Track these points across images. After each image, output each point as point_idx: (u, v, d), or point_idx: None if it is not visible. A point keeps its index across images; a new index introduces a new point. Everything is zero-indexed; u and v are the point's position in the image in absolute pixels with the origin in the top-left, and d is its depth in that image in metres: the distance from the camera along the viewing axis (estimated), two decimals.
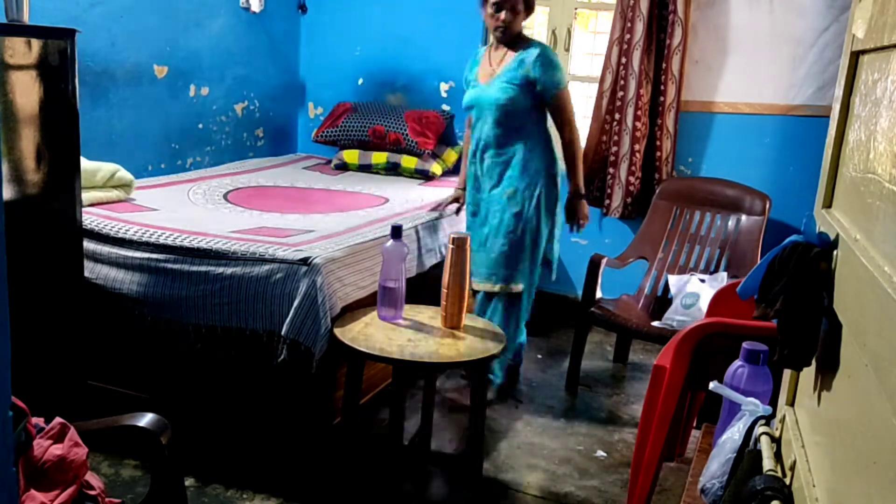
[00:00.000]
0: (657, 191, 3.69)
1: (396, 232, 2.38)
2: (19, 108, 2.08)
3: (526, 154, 2.94)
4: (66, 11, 2.99)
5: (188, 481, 2.38)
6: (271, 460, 2.54)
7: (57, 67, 2.14)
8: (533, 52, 2.87)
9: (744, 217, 3.46)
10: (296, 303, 2.36)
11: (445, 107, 4.32)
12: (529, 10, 2.92)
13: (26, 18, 2.22)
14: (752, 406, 1.48)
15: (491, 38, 3.03)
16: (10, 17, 2.19)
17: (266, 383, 2.49)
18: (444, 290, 2.39)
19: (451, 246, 2.38)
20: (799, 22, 3.56)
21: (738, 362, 1.71)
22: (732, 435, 1.44)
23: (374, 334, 2.33)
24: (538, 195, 2.96)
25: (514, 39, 2.95)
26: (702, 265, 3.46)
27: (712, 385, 1.64)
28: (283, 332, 2.38)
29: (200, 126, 3.97)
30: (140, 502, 1.66)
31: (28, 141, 2.12)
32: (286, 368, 2.40)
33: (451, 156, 4.22)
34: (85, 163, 2.57)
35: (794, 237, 1.17)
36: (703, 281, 3.16)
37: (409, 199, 3.52)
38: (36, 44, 2.09)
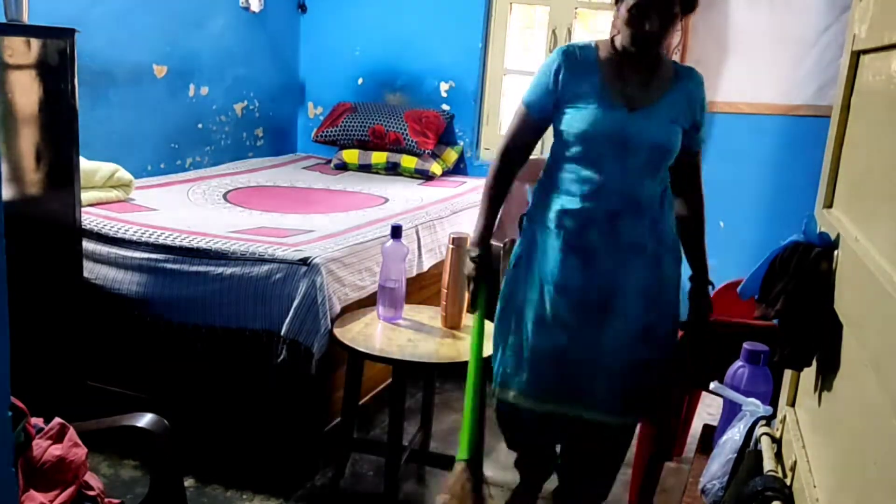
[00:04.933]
0: None
1: (396, 232, 2.38)
2: (19, 107, 2.08)
3: (670, 220, 1.92)
4: (66, 11, 2.98)
5: (188, 481, 2.38)
6: (271, 460, 2.54)
7: (56, 67, 2.14)
8: (697, 85, 1.90)
9: None
10: (295, 303, 2.36)
11: (445, 106, 4.32)
12: (690, 8, 1.83)
13: (26, 18, 2.22)
14: (753, 406, 1.48)
15: (600, 47, 1.89)
16: (9, 16, 2.19)
17: (266, 383, 2.49)
18: (444, 290, 2.38)
19: (451, 246, 2.38)
20: (799, 22, 3.56)
21: (738, 363, 1.71)
22: (733, 435, 1.44)
23: (374, 334, 2.33)
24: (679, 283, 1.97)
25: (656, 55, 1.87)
26: None
27: (713, 385, 1.64)
28: (282, 332, 2.38)
29: (200, 126, 3.97)
30: (140, 502, 1.66)
31: (27, 141, 2.12)
32: (286, 368, 2.40)
33: (450, 155, 4.22)
34: (84, 163, 2.57)
35: (794, 237, 1.17)
36: None
37: (409, 199, 3.52)
38: (35, 43, 2.09)
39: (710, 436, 1.85)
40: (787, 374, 1.33)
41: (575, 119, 1.82)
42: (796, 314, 1.11)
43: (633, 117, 1.80)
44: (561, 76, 1.85)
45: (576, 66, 1.85)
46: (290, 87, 4.61)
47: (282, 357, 2.38)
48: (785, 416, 1.29)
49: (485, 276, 1.99)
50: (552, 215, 1.87)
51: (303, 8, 4.55)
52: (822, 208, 1.24)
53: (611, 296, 1.84)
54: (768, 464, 1.18)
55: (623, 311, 1.84)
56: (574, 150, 1.84)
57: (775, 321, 1.16)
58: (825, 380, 1.08)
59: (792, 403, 1.30)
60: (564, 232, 1.85)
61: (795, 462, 1.12)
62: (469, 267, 1.99)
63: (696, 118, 1.89)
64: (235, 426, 2.56)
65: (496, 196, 2.00)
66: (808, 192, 3.87)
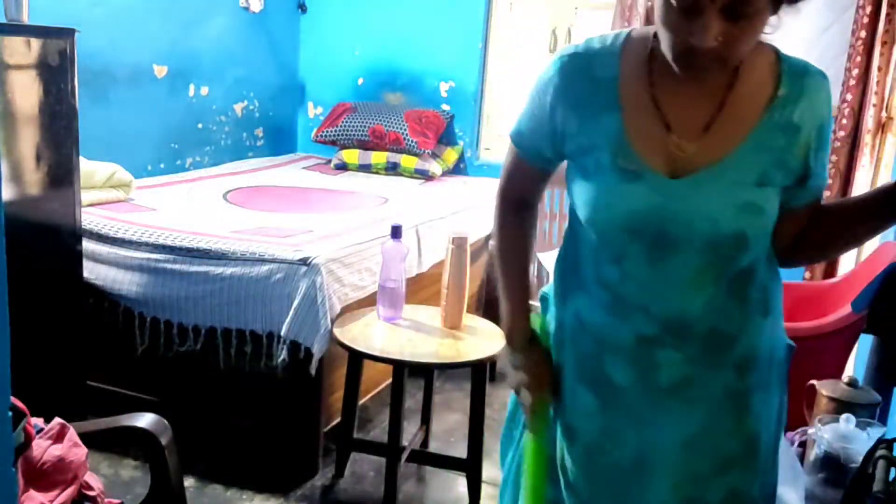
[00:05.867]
0: None
1: (396, 232, 2.38)
2: (19, 107, 2.08)
3: (770, 344, 1.19)
4: (66, 11, 2.98)
5: (188, 481, 2.38)
6: (271, 460, 2.54)
7: (56, 67, 2.14)
8: (817, 97, 1.12)
9: None
10: (295, 303, 2.36)
11: (445, 106, 4.31)
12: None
13: (26, 18, 2.22)
14: None
15: (631, 47, 1.13)
16: (9, 16, 2.19)
17: (266, 383, 2.49)
18: (444, 290, 2.38)
19: (451, 246, 2.38)
20: (799, 21, 3.55)
21: None
22: None
23: (374, 334, 2.33)
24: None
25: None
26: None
27: None
28: (282, 333, 2.38)
29: (200, 126, 3.97)
30: (140, 502, 1.66)
31: (27, 141, 2.12)
32: (286, 368, 2.40)
33: (450, 155, 4.22)
34: (84, 163, 2.56)
35: None
36: None
37: (409, 199, 3.51)
38: (35, 43, 2.09)
39: None
40: None
41: (581, 192, 1.13)
42: None
43: (676, 189, 1.06)
44: (559, 110, 1.13)
45: (581, 89, 1.12)
46: (290, 87, 4.61)
47: (282, 357, 2.38)
48: None
49: (540, 380, 1.24)
50: (568, 316, 1.22)
51: (303, 8, 4.55)
52: None
53: (647, 453, 1.16)
54: (878, 485, 1.16)
55: (669, 474, 1.16)
56: (589, 235, 1.15)
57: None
58: None
59: None
60: (576, 350, 1.21)
61: None
62: (514, 377, 1.27)
63: (810, 161, 1.09)
64: (235, 426, 2.56)
65: (513, 260, 1.30)
66: None
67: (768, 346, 1.17)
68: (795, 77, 1.10)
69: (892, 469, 1.23)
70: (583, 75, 1.12)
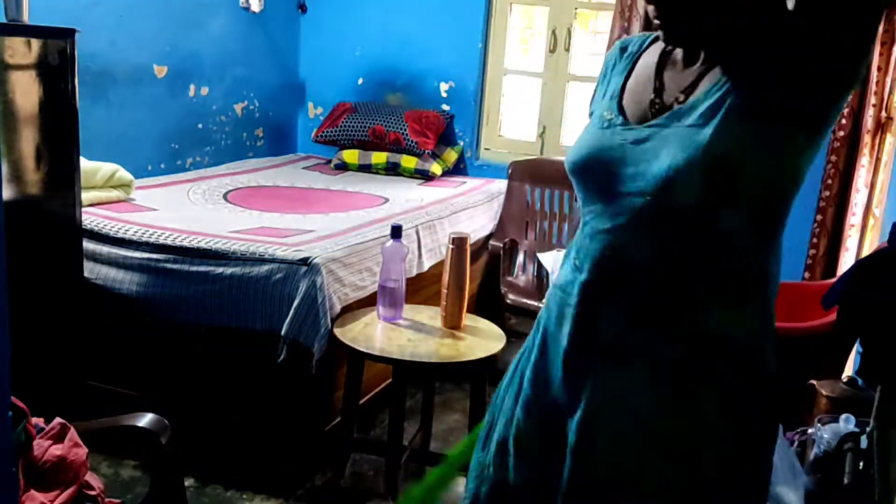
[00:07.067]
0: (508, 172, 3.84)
1: (396, 232, 2.38)
2: (19, 108, 2.08)
3: (747, 342, 1.06)
4: (66, 11, 2.98)
5: (188, 481, 2.38)
6: (271, 460, 2.54)
7: (57, 67, 2.14)
8: None
9: None
10: (295, 303, 2.36)
11: (445, 106, 4.31)
12: None
13: (26, 18, 2.22)
14: None
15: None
16: (9, 16, 2.19)
17: (266, 383, 2.49)
18: (443, 290, 2.39)
19: (451, 246, 2.38)
20: None
21: None
22: None
23: (374, 334, 2.33)
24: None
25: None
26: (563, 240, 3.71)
27: None
28: (282, 332, 2.38)
29: (200, 126, 3.97)
30: (140, 502, 1.66)
31: (28, 141, 2.12)
32: (286, 368, 2.40)
33: (450, 155, 4.21)
34: (84, 163, 2.57)
35: (881, 248, 1.14)
36: None
37: (409, 199, 3.51)
38: (36, 44, 2.09)
39: None
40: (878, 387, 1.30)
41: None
42: (880, 326, 1.08)
43: (637, 132, 1.07)
44: (602, 82, 1.24)
45: (614, 60, 1.23)
46: (290, 87, 4.61)
47: (282, 357, 2.38)
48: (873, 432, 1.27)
49: None
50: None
51: (303, 8, 4.55)
52: None
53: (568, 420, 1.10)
54: (848, 477, 1.15)
55: (587, 453, 1.07)
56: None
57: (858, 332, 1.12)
58: None
59: (878, 418, 1.27)
60: (545, 317, 1.18)
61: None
62: None
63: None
64: (235, 426, 2.56)
65: None
66: (808, 193, 3.84)
67: (743, 343, 1.03)
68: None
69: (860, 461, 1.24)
70: (620, 52, 1.22)
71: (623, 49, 1.22)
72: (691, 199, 0.98)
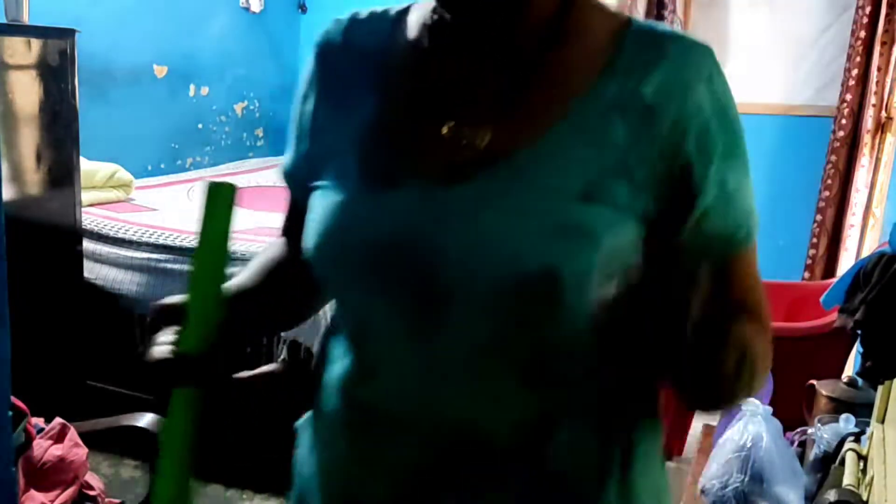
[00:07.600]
0: None
1: None
2: (19, 107, 2.08)
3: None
4: (66, 11, 2.98)
5: None
6: (271, 460, 2.54)
7: (57, 67, 2.14)
8: (686, 74, 0.64)
9: None
10: None
11: None
12: None
13: (26, 18, 2.22)
14: (752, 406, 1.48)
15: (414, 12, 0.73)
16: (9, 16, 2.19)
17: (266, 383, 2.49)
18: None
19: None
20: (799, 21, 3.56)
21: None
22: (732, 435, 1.44)
23: None
24: None
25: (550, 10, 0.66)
26: None
27: None
28: (282, 332, 2.38)
29: (200, 126, 3.97)
30: (140, 502, 1.66)
31: (28, 141, 2.12)
32: (286, 368, 2.40)
33: None
34: (84, 163, 2.57)
35: (880, 249, 1.16)
36: None
37: None
38: (36, 44, 2.09)
39: (709, 436, 1.85)
40: (879, 389, 1.31)
41: (312, 214, 0.73)
42: (880, 325, 1.09)
43: (450, 201, 0.63)
44: (309, 100, 0.84)
45: (337, 66, 0.79)
46: (290, 87, 4.61)
47: (282, 357, 2.38)
48: (872, 433, 1.28)
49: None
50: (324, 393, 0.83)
51: (303, 8, 4.55)
52: None
53: None
54: (849, 478, 1.16)
55: None
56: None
57: (859, 332, 1.13)
58: None
59: (882, 420, 1.28)
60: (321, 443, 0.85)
61: (873, 478, 1.11)
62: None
63: (694, 175, 0.64)
64: (236, 426, 2.56)
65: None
66: (808, 193, 3.83)
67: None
68: (647, 40, 0.65)
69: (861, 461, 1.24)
70: (341, 48, 0.76)
71: (334, 46, 0.77)
72: (553, 305, 0.63)
